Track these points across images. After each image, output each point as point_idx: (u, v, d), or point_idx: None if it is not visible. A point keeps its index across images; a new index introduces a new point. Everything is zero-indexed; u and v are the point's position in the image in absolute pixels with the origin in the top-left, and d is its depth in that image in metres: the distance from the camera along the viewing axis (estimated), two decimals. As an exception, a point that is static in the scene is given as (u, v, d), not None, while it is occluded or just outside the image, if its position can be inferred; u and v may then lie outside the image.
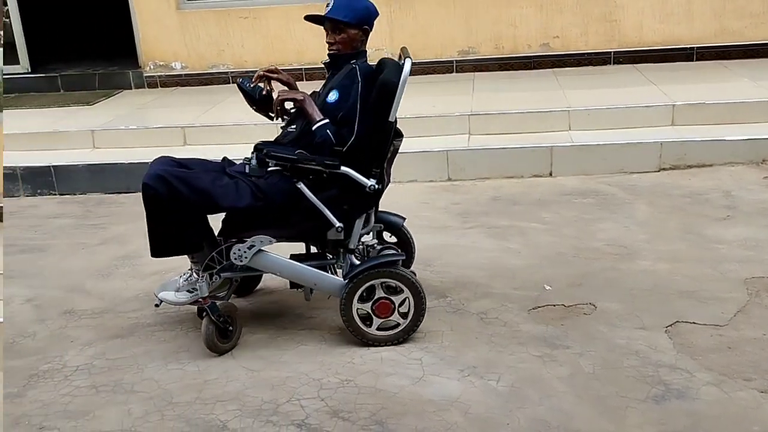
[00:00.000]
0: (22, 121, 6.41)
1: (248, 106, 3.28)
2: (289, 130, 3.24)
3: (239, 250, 3.07)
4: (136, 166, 5.40)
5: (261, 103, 3.24)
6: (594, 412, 2.63)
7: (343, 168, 3.01)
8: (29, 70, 7.80)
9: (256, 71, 3.26)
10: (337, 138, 3.01)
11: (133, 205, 5.16)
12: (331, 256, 3.28)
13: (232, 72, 7.17)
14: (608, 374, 2.83)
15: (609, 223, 4.29)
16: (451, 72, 7.06)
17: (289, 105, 3.19)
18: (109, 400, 2.90)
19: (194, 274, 3.25)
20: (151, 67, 7.38)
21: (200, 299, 3.16)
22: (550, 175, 5.13)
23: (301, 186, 3.02)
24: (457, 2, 6.95)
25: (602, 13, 6.83)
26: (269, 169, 3.07)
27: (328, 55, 3.21)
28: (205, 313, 3.13)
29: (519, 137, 5.35)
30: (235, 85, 3.31)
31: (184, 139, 5.75)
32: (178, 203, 2.99)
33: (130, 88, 7.40)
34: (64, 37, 9.43)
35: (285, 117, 3.21)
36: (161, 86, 7.34)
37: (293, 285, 3.29)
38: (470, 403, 2.72)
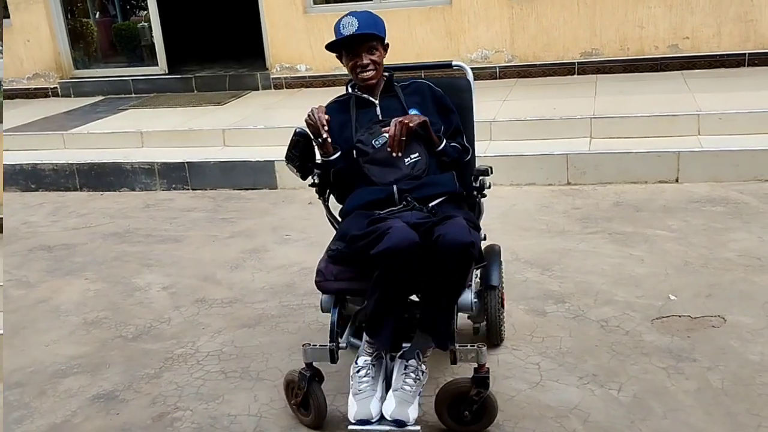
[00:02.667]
0: (160, 119, 6.85)
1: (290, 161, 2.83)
2: (411, 160, 2.77)
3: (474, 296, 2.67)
4: (263, 164, 5.67)
5: (312, 154, 2.82)
6: (723, 429, 2.53)
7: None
8: (166, 72, 8.31)
9: (315, 117, 2.75)
10: (463, 149, 2.91)
11: (260, 201, 5.44)
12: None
13: (353, 74, 7.34)
14: (739, 391, 2.71)
15: (742, 233, 4.09)
16: (573, 74, 6.93)
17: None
18: (238, 386, 3.06)
19: (414, 361, 2.56)
20: (278, 69, 7.67)
21: (482, 366, 2.53)
22: (677, 181, 4.94)
23: (482, 202, 2.84)
24: (581, 3, 6.81)
25: (738, 13, 6.50)
26: (434, 203, 2.73)
27: (386, 77, 2.90)
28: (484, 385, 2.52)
29: (643, 141, 5.19)
30: (296, 135, 2.80)
31: (307, 139, 5.95)
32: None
33: (258, 89, 7.74)
34: (199, 40, 9.97)
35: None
36: (286, 87, 7.63)
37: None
38: (590, 410, 2.68)
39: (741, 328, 3.11)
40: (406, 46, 7.18)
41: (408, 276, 2.41)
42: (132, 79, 8.26)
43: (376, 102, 2.90)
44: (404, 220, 2.51)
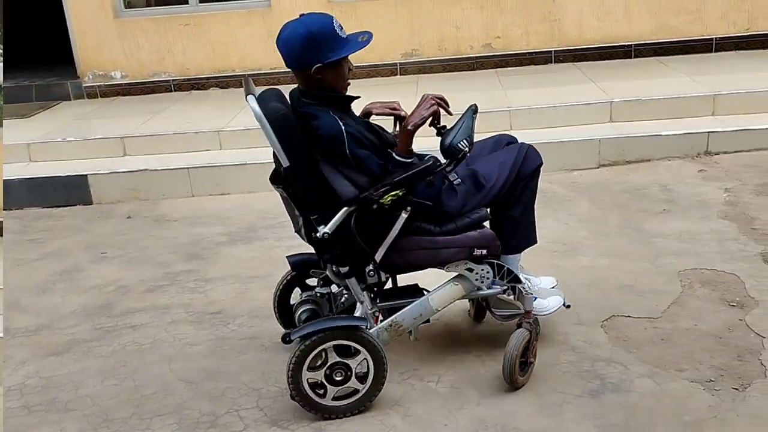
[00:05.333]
0: (-44, 135, 6.23)
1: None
2: None
3: None
4: (75, 179, 5.32)
5: None
6: (532, 409, 2.65)
7: None
8: (-38, 83, 7.58)
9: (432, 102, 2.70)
10: None
11: (73, 218, 5.09)
12: None
13: (174, 80, 7.07)
14: (546, 371, 2.85)
15: (550, 220, 4.33)
16: (395, 75, 7.07)
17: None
18: (42, 420, 2.83)
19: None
20: (90, 77, 7.23)
21: None
22: (494, 174, 5.16)
23: None
24: (399, 4, 6.96)
25: (542, 13, 6.91)
26: None
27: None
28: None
29: (462, 138, 5.37)
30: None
31: (123, 150, 5.65)
32: None
33: (69, 99, 7.25)
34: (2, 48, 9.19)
35: None
36: (101, 96, 7.20)
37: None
38: (410, 405, 2.72)
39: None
40: (228, 49, 7.02)
41: None
42: None
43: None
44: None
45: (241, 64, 7.04)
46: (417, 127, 2.62)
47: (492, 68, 6.98)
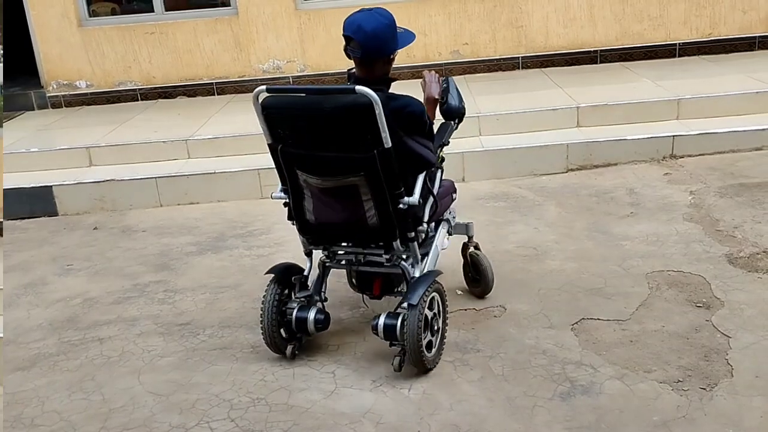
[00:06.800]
0: None
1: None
2: None
3: None
4: (40, 190, 5.24)
5: None
6: (503, 413, 2.66)
7: None
8: None
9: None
10: None
11: (38, 230, 5.01)
12: None
13: (140, 89, 7.00)
14: (517, 375, 2.87)
15: (520, 225, 4.36)
16: (365, 81, 7.07)
17: None
18: (7, 438, 2.77)
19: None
20: (54, 86, 7.13)
21: None
22: (463, 180, 5.18)
23: None
24: (366, 12, 6.96)
25: (509, 19, 6.98)
26: None
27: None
28: None
29: (432, 144, 5.39)
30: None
31: (89, 160, 5.58)
32: None
33: (33, 109, 7.14)
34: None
35: None
36: (66, 106, 7.10)
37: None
38: (382, 413, 2.72)
39: (519, 315, 3.30)
40: (195, 58, 6.97)
41: None
42: None
43: None
44: None
45: (209, 73, 7.00)
46: (440, 95, 3.13)
47: (460, 74, 7.01)
